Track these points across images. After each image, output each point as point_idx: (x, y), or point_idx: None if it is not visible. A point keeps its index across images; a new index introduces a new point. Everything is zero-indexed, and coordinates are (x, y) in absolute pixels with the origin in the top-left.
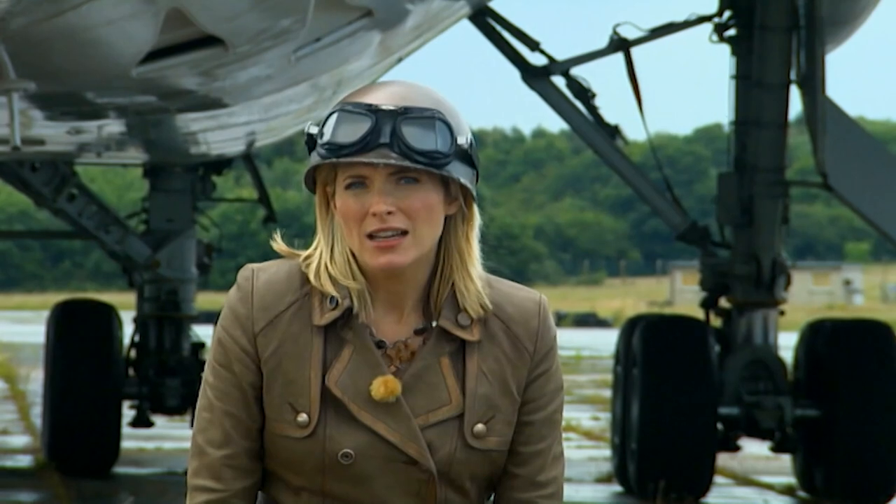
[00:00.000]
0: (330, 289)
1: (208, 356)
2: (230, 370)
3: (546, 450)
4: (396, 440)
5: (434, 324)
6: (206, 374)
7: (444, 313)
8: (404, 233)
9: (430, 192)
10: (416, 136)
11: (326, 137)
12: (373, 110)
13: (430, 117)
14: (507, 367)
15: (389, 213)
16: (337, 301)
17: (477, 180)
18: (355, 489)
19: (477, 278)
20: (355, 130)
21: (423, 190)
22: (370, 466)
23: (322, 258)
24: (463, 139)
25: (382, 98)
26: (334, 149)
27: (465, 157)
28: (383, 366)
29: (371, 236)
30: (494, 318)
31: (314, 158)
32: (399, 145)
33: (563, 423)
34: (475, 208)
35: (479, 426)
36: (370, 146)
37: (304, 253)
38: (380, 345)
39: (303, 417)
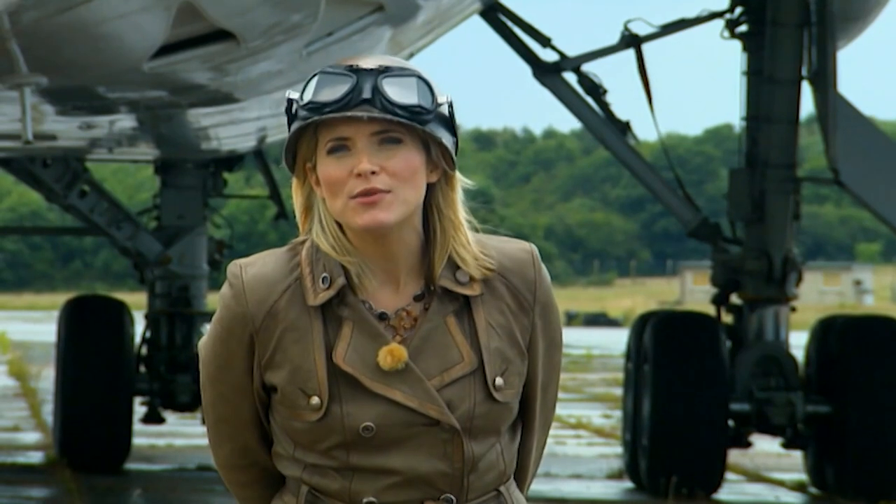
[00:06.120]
0: (321, 269)
1: (203, 350)
2: (231, 358)
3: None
4: (415, 404)
5: (432, 288)
6: (204, 355)
7: (442, 273)
8: (388, 192)
9: (412, 153)
10: (397, 92)
11: (308, 98)
12: (353, 70)
13: (411, 75)
14: (512, 319)
15: (374, 172)
16: (329, 280)
17: (456, 150)
18: (381, 459)
19: (471, 243)
20: (337, 89)
21: (406, 150)
22: (392, 434)
23: (312, 242)
24: (443, 100)
25: (362, 62)
26: (317, 107)
27: (446, 122)
28: (386, 335)
29: (356, 196)
30: (492, 272)
31: (295, 125)
32: (381, 101)
33: (574, 420)
34: (457, 175)
35: (499, 379)
36: (352, 103)
37: (296, 241)
38: (382, 317)
39: (315, 400)
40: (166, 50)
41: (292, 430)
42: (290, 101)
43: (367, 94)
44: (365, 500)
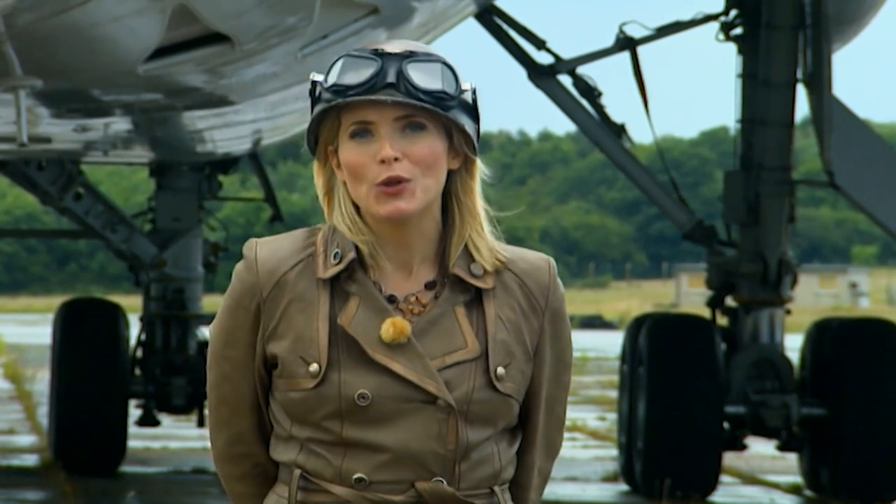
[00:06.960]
0: (335, 247)
1: (213, 327)
2: (236, 331)
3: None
4: (414, 378)
5: (445, 278)
6: (212, 342)
7: (457, 263)
8: (410, 181)
9: (435, 140)
10: (421, 77)
11: (332, 80)
12: (378, 54)
13: (436, 61)
14: (522, 318)
15: (396, 159)
16: (341, 255)
17: (478, 136)
18: (374, 433)
19: (488, 233)
20: (361, 72)
21: (429, 137)
22: (388, 407)
23: (332, 222)
24: (467, 86)
25: (387, 46)
26: (340, 90)
27: (469, 109)
28: (391, 310)
29: (379, 185)
30: (508, 271)
31: (318, 107)
32: (405, 85)
33: (569, 423)
34: (478, 163)
35: (501, 370)
36: (377, 87)
37: (316, 226)
38: (391, 299)
39: (314, 367)
40: (161, 52)
41: (288, 403)
42: (313, 83)
43: (391, 78)
44: (355, 477)
